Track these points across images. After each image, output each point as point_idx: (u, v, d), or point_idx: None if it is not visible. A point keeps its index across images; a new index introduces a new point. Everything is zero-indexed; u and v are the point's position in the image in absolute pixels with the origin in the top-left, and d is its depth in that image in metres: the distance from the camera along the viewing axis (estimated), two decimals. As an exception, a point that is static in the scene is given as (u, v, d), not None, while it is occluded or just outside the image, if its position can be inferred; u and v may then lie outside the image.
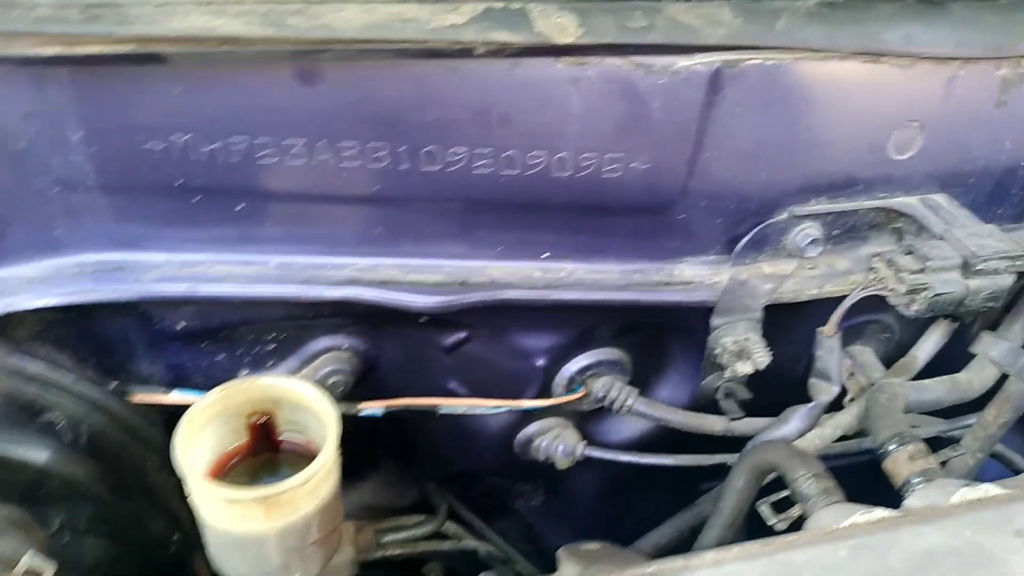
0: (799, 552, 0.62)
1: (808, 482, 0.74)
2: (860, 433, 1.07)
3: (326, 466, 0.76)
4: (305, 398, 0.83)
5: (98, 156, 0.80)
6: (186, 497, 0.95)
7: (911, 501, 0.75)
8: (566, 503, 1.29)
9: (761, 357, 0.91)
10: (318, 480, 0.76)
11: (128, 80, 0.76)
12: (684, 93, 0.81)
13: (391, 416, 1.03)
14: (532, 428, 1.12)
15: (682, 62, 0.79)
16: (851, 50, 0.82)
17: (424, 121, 0.80)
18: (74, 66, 0.74)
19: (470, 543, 1.17)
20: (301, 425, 0.86)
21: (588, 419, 1.15)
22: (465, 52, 0.74)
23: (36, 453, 0.80)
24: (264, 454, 0.87)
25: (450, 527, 1.18)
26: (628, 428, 1.16)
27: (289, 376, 0.91)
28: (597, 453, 1.10)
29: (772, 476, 0.85)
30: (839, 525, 0.70)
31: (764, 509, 0.80)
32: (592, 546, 0.75)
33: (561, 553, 0.72)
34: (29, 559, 0.76)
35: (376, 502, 1.20)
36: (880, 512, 0.67)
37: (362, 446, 0.99)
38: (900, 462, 0.79)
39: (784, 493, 0.79)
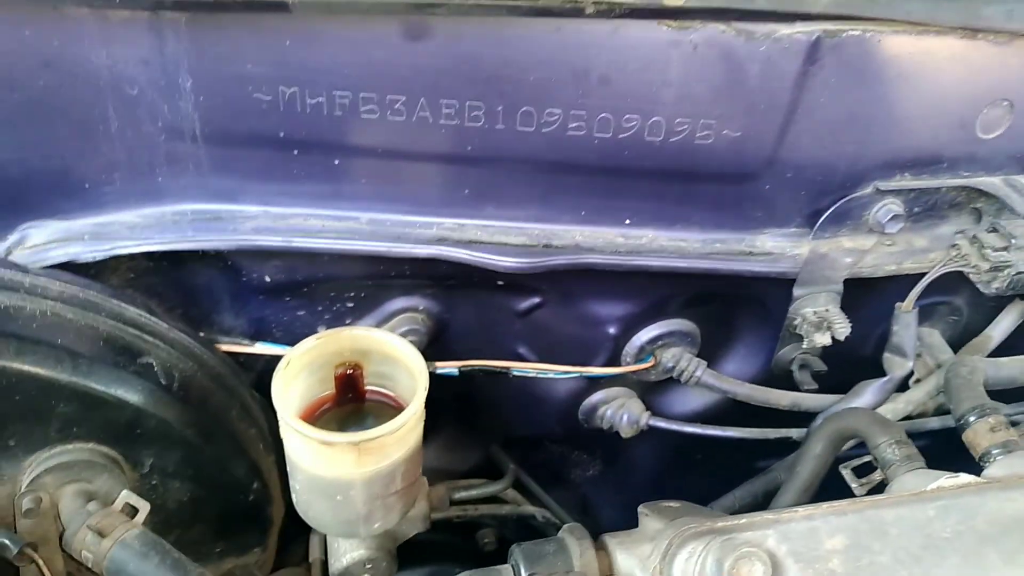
0: (888, 510, 0.63)
1: (891, 447, 0.75)
2: (923, 414, 1.08)
3: (415, 416, 0.78)
4: (394, 350, 0.84)
5: (206, 104, 0.82)
6: (266, 446, 0.98)
7: (992, 470, 0.75)
8: (622, 474, 1.31)
9: (841, 327, 0.92)
10: (407, 429, 0.78)
11: (241, 30, 0.77)
12: (782, 61, 0.82)
13: (460, 379, 1.04)
14: (597, 396, 1.13)
15: (784, 30, 0.80)
16: (951, 24, 0.82)
17: (525, 80, 0.81)
18: (192, 12, 0.75)
19: (528, 509, 1.19)
20: (386, 377, 0.88)
21: (652, 390, 1.16)
22: (575, 11, 0.75)
23: (133, 394, 0.82)
24: (350, 405, 0.88)
25: (509, 492, 1.20)
26: (691, 401, 1.18)
27: (377, 328, 0.92)
28: (662, 423, 1.11)
29: (851, 444, 0.86)
30: (925, 488, 0.71)
31: (846, 473, 0.81)
32: (672, 503, 0.76)
33: (642, 509, 0.73)
34: (127, 496, 0.79)
35: (439, 465, 1.21)
36: (965, 477, 0.68)
37: (429, 408, 1.01)
38: (981, 433, 0.79)
39: (865, 458, 0.80)
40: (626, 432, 1.11)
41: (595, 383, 1.12)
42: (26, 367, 0.76)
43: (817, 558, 0.58)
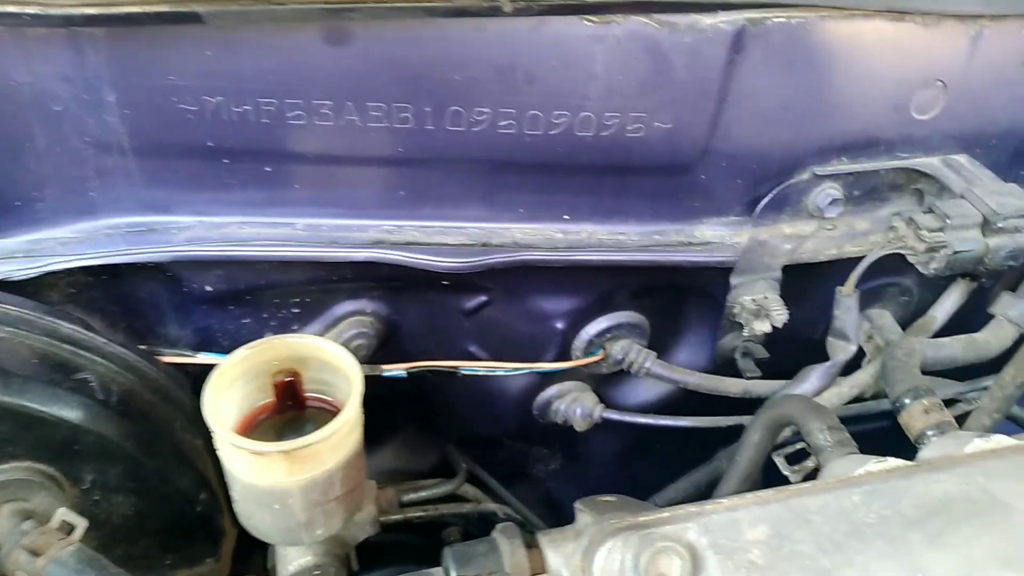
0: (812, 498, 0.63)
1: (823, 434, 0.75)
2: (876, 396, 1.09)
3: (349, 421, 0.77)
4: (331, 356, 0.83)
5: (132, 118, 0.82)
6: (213, 456, 0.97)
7: (925, 452, 0.76)
8: (583, 468, 1.31)
9: (779, 315, 0.92)
10: (341, 435, 0.77)
11: (162, 42, 0.77)
12: (708, 52, 0.82)
13: (411, 381, 1.04)
14: (551, 391, 1.13)
15: (707, 20, 0.80)
16: (877, 8, 0.82)
17: (450, 80, 0.81)
18: (111, 27, 0.75)
19: (489, 506, 1.19)
20: (326, 384, 0.87)
21: (605, 383, 1.16)
22: (493, 10, 0.75)
23: (69, 411, 0.81)
24: (290, 412, 0.88)
25: (469, 490, 1.20)
26: (645, 392, 1.18)
27: (314, 335, 0.92)
28: (615, 415, 1.11)
29: (788, 433, 0.87)
30: (853, 473, 0.71)
31: (779, 460, 0.81)
32: (609, 498, 0.76)
33: (578, 504, 0.73)
34: (63, 514, 0.78)
35: (396, 466, 1.21)
36: (894, 461, 0.68)
37: (383, 411, 1.01)
38: (915, 415, 0.80)
39: (799, 445, 0.80)
40: (580, 425, 1.11)
41: (548, 378, 1.12)
42: (-44, 390, 0.76)
43: (737, 549, 0.58)
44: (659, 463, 1.21)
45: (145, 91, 0.80)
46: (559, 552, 0.65)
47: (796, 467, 0.80)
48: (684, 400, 1.15)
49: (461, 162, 0.88)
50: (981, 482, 0.64)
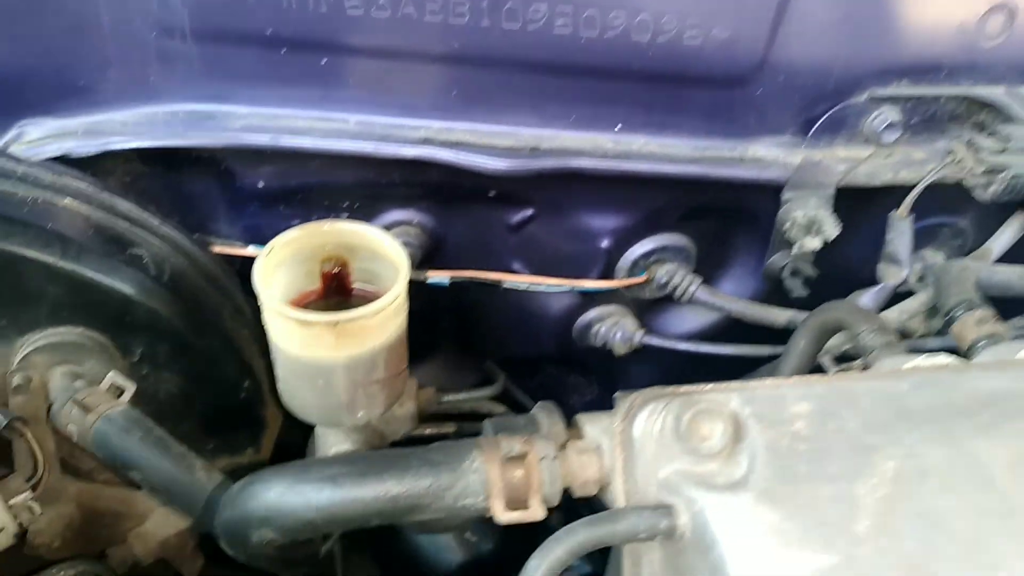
0: (860, 383, 0.63)
1: (872, 334, 0.74)
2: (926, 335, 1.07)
3: (396, 301, 0.78)
4: (379, 244, 0.84)
5: (194, 1, 0.83)
6: (259, 347, 0.99)
7: (977, 360, 0.74)
8: (620, 399, 1.30)
9: (830, 229, 0.91)
10: (387, 315, 0.78)
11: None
12: (771, -45, 0.81)
13: (453, 295, 1.05)
14: (592, 314, 1.13)
15: (772, -81, 0.79)
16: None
17: (508, -26, 0.81)
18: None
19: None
20: (373, 275, 0.88)
21: (647, 309, 1.16)
22: None
23: (123, 283, 0.83)
24: (335, 299, 0.89)
25: (501, 410, 1.20)
26: (687, 321, 1.17)
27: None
28: (655, 341, 1.11)
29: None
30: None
31: (825, 360, 0.80)
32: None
33: (619, 394, 0.73)
34: (113, 377, 0.81)
35: (435, 384, 1.22)
36: (944, 357, 0.67)
37: (424, 326, 1.02)
38: (968, 325, 0.78)
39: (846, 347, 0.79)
40: (620, 349, 1.11)
41: (589, 300, 1.12)
42: (15, 248, 0.78)
43: (781, 420, 0.57)
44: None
45: (208, -29, 0.82)
46: (597, 425, 0.65)
47: (843, 366, 0.79)
48: (722, 332, 1.15)
49: (514, 63, 0.88)
50: (1034, 381, 0.63)
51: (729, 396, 0.59)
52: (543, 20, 0.84)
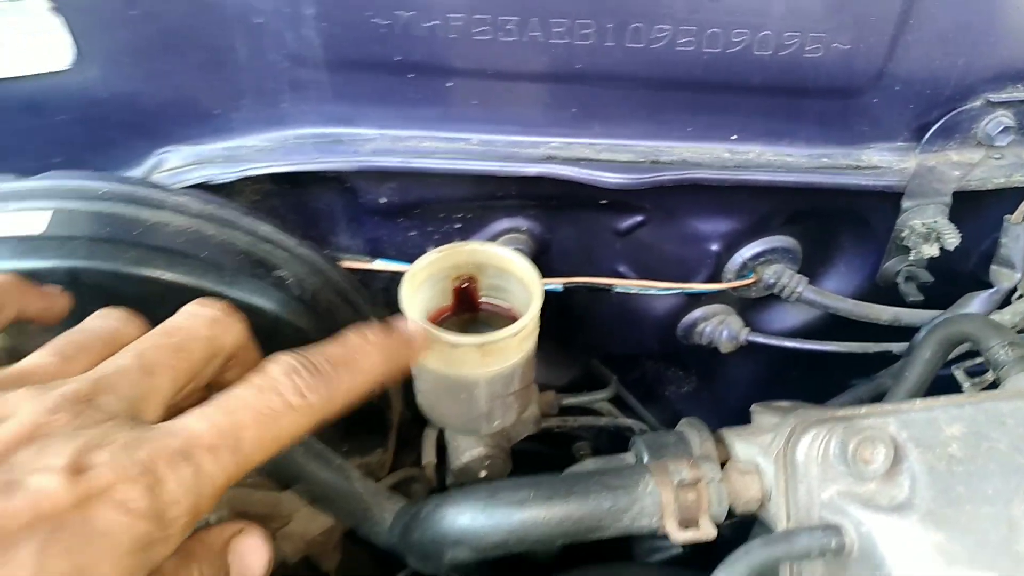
0: (1004, 403, 0.65)
1: (1004, 349, 0.76)
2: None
3: (533, 321, 0.82)
4: (509, 263, 0.88)
5: (327, 31, 0.86)
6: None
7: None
8: (717, 391, 1.34)
9: (951, 238, 0.93)
10: (526, 334, 0.82)
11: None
12: (895, -31, 0.81)
13: (560, 297, 1.08)
14: (697, 313, 1.16)
15: (897, -64, 0.79)
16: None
17: (635, -4, 0.83)
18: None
19: (626, 421, 1.24)
20: (500, 290, 0.92)
21: (749, 308, 1.19)
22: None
23: (271, 303, 0.88)
24: (465, 315, 0.93)
25: (604, 407, 1.24)
26: (789, 318, 1.20)
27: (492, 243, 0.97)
28: (761, 339, 1.14)
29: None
30: (1039, 388, 0.72)
31: (959, 373, 0.83)
32: (784, 403, 0.79)
33: (755, 407, 0.77)
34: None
35: (540, 380, 1.26)
36: (1083, 376, 0.69)
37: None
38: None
39: (977, 360, 0.82)
40: (726, 347, 1.14)
41: (695, 300, 1.15)
42: (178, 277, 0.83)
43: (937, 443, 0.61)
44: (794, 389, 1.23)
45: (341, 5, 0.85)
46: (750, 443, 0.68)
47: (975, 380, 0.81)
48: (824, 329, 1.17)
49: (635, 79, 0.90)
50: None
51: (887, 420, 0.62)
52: (667, 39, 0.86)
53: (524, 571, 1.10)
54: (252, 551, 0.55)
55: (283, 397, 0.55)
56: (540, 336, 1.26)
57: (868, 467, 0.59)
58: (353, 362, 0.60)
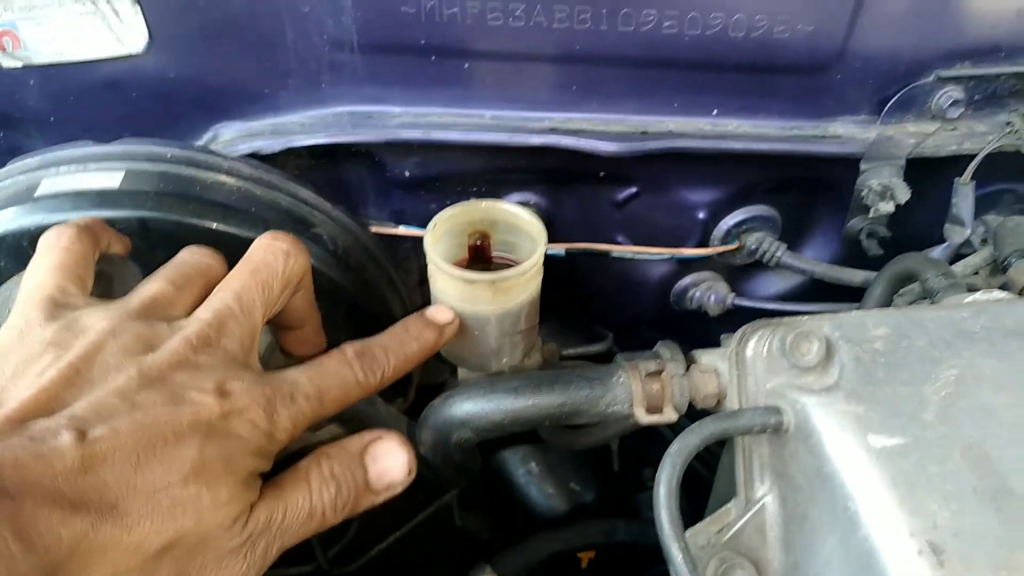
0: (927, 312, 0.76)
1: (938, 279, 0.88)
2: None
3: (538, 263, 0.94)
4: (519, 219, 1.00)
5: (363, 19, 1.00)
6: (405, 314, 1.17)
7: (1027, 294, 0.87)
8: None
9: (902, 194, 1.05)
10: (530, 276, 0.94)
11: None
12: (846, -43, 0.95)
13: (563, 266, 1.21)
14: (688, 279, 1.28)
15: (847, -71, 0.93)
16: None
17: (625, -15, 0.97)
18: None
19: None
20: (511, 245, 1.04)
21: (736, 275, 1.31)
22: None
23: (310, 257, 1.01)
24: (478, 266, 1.06)
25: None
26: (772, 285, 1.32)
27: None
28: (745, 302, 1.26)
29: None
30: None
31: (898, 302, 0.94)
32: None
33: (725, 335, 0.88)
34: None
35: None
36: (999, 293, 0.80)
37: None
38: (1021, 270, 0.91)
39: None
40: (714, 311, 1.26)
41: (685, 267, 1.27)
42: (231, 229, 0.96)
43: (864, 340, 0.72)
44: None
45: (377, -6, 0.99)
46: (711, 355, 0.81)
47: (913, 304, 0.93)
48: (804, 294, 1.29)
49: (626, 60, 1.04)
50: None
51: (822, 322, 0.74)
52: (653, 22, 0.99)
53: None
54: (388, 454, 0.73)
55: (354, 373, 0.74)
56: (545, 308, 1.39)
57: (804, 358, 0.71)
58: (399, 350, 0.80)
